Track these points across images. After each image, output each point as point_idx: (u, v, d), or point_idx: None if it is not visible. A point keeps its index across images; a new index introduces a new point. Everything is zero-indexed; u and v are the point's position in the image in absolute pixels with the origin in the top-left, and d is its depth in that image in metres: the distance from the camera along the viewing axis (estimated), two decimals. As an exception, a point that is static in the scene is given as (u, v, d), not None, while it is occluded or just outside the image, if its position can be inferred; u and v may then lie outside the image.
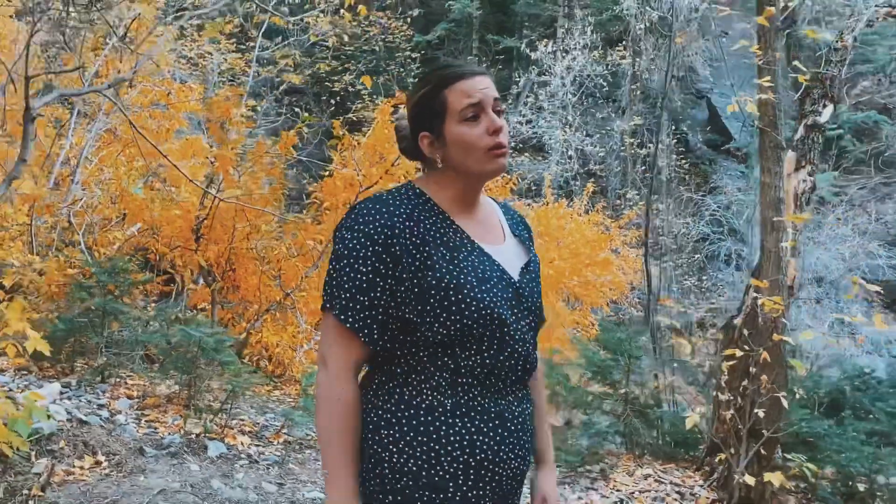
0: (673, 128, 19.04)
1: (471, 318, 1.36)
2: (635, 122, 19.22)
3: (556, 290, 10.90)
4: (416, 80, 1.50)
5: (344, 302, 1.37)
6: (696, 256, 16.91)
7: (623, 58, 18.47)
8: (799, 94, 5.41)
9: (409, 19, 20.51)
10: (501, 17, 21.47)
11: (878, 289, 4.31)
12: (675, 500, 4.17)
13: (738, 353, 4.00)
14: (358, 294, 1.36)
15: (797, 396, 4.04)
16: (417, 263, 1.37)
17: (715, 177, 19.08)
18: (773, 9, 3.94)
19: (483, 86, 1.43)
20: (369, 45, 21.04)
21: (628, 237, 13.10)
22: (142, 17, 7.29)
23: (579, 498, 4.13)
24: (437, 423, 1.36)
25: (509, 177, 10.95)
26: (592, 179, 17.65)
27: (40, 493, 3.35)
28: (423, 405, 1.37)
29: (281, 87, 19.82)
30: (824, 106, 5.18)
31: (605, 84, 18.47)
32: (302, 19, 10.76)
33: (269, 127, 16.70)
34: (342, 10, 9.45)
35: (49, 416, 3.82)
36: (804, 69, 5.29)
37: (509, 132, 1.49)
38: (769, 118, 4.04)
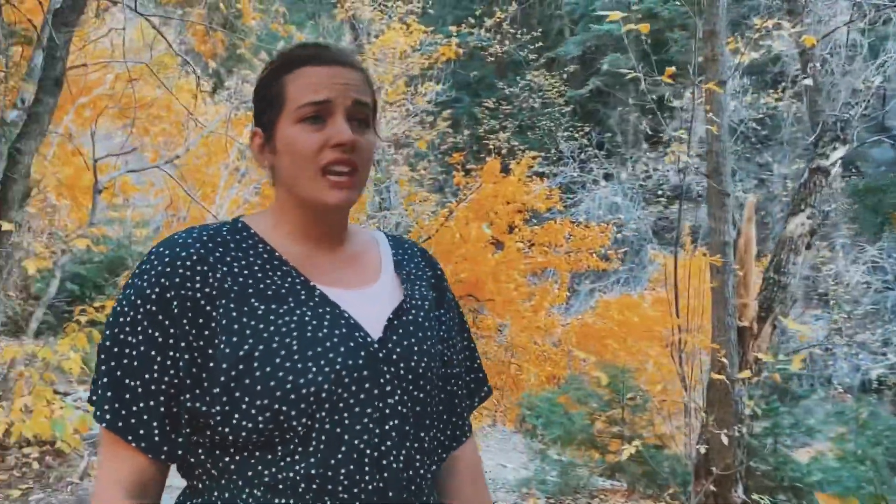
0: (840, 169, 17.86)
1: (284, 401, 0.91)
2: (798, 165, 18.41)
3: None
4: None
5: (103, 391, 0.95)
6: (864, 308, 15.70)
7: (779, 100, 17.83)
8: (813, 137, 5.40)
9: (564, 76, 21.22)
10: (658, 67, 21.41)
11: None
12: (635, 532, 4.34)
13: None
14: (126, 378, 0.94)
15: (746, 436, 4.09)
16: (203, 325, 0.94)
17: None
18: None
19: (341, 79, 1.01)
20: (527, 102, 21.94)
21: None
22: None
23: (540, 523, 4.45)
24: None
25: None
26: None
27: (78, 481, 4.31)
28: None
29: (442, 147, 21.21)
30: (834, 149, 5.15)
31: (759, 128, 17.91)
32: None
33: (431, 182, 17.99)
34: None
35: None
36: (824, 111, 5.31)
37: (372, 150, 1.05)
38: (713, 166, 4.20)
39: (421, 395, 1.01)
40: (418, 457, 0.99)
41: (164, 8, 6.65)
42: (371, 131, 1.05)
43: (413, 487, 0.98)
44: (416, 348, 1.02)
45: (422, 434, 1.01)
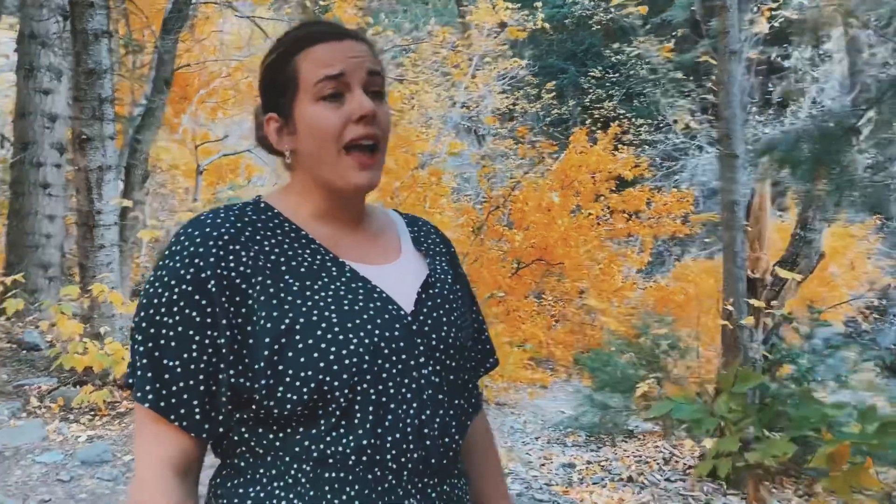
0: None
1: (328, 372, 0.93)
2: (922, 122, 17.41)
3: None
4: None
5: (142, 372, 0.95)
6: None
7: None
8: (850, 97, 5.55)
9: (673, 41, 20.91)
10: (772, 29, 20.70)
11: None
12: (658, 462, 4.80)
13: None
14: (164, 358, 0.95)
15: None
16: (240, 303, 0.96)
17: None
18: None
19: (352, 53, 1.03)
20: (634, 69, 21.81)
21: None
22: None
23: (571, 455, 5.00)
24: None
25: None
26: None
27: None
28: None
29: (547, 119, 21.48)
30: (867, 109, 5.30)
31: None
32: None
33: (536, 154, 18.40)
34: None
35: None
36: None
37: (390, 121, 1.09)
38: (723, 131, 4.53)
39: (452, 365, 1.05)
40: (453, 423, 1.03)
41: (255, 8, 7.57)
42: (386, 102, 1.07)
43: (451, 454, 1.03)
44: (444, 319, 1.06)
45: (455, 401, 1.05)
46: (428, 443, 0.99)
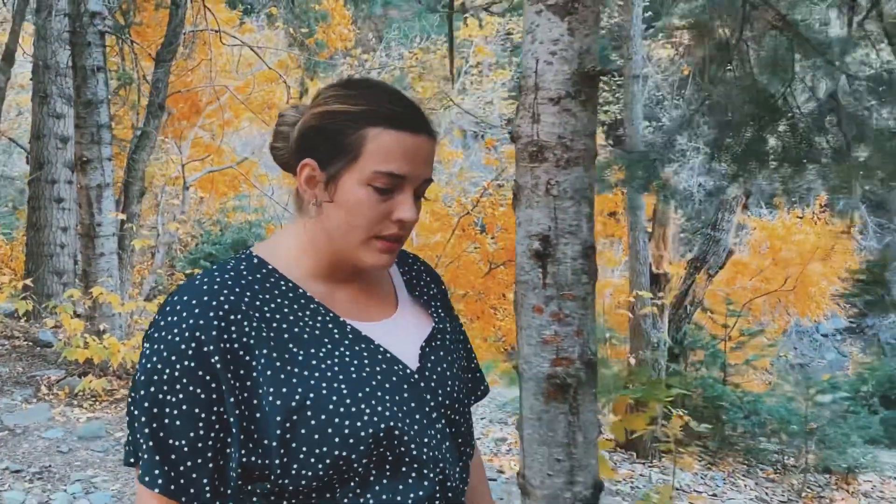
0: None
1: (344, 447, 0.92)
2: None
3: None
4: (343, 82, 1.05)
5: (149, 455, 0.92)
6: None
7: None
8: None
9: (677, 44, 21.30)
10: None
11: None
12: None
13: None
14: (170, 438, 0.91)
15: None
16: (245, 376, 0.92)
17: None
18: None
19: (421, 156, 0.99)
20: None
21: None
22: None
23: (507, 432, 5.67)
24: None
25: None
26: None
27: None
28: None
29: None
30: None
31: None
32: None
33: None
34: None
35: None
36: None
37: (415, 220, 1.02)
38: (630, 146, 5.16)
39: (456, 417, 1.06)
40: (464, 474, 1.07)
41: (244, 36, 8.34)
42: (421, 200, 1.04)
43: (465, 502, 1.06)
44: (448, 373, 1.06)
45: (462, 449, 1.08)
46: (451, 495, 1.00)
